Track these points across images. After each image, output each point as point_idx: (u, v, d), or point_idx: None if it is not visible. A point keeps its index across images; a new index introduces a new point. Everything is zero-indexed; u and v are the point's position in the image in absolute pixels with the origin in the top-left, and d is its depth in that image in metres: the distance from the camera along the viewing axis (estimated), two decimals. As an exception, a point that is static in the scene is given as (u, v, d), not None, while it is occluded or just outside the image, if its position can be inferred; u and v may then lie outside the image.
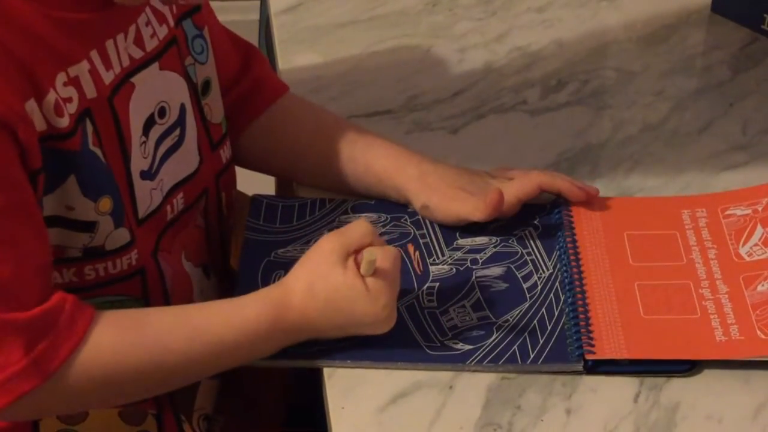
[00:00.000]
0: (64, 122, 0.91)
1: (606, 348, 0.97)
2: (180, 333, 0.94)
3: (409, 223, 1.12)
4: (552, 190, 1.11)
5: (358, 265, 0.95)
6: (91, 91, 0.94)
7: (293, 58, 1.41)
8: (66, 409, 0.98)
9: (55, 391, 0.90)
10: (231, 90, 1.17)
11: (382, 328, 0.96)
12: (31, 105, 0.89)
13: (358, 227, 0.98)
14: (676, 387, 0.96)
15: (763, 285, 1.02)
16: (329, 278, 0.95)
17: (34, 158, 0.89)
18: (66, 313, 0.90)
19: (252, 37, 1.33)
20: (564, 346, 0.98)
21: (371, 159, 1.13)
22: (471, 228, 1.10)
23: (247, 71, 1.18)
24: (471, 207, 1.08)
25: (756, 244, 1.07)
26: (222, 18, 1.19)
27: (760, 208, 1.11)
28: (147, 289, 1.03)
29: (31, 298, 0.89)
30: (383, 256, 0.96)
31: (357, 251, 0.96)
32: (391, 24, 1.48)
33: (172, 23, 1.04)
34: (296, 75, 1.36)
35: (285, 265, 1.06)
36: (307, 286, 0.95)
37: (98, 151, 0.95)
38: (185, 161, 1.07)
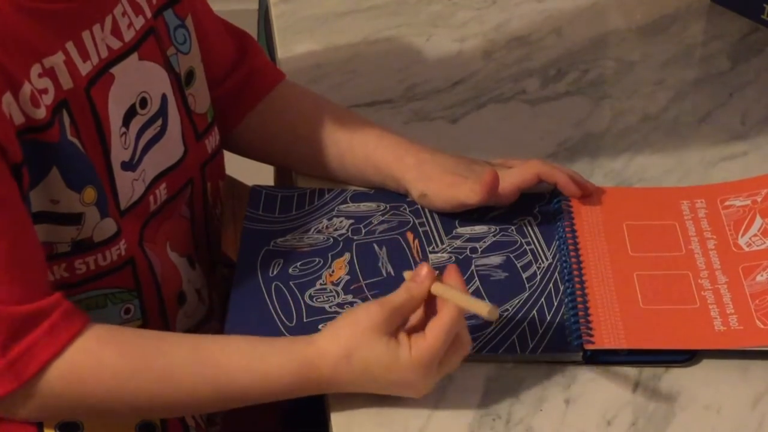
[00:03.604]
0: (41, 113, 0.90)
1: (605, 338, 0.97)
2: (192, 369, 0.91)
3: (408, 212, 1.12)
4: (549, 181, 1.11)
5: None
6: (67, 83, 0.93)
7: (292, 47, 1.40)
8: (48, 417, 0.95)
9: (34, 398, 0.88)
10: (227, 79, 1.16)
11: (415, 395, 0.93)
12: (7, 99, 0.88)
13: (406, 292, 0.92)
14: (675, 377, 0.96)
15: (762, 275, 1.02)
16: (374, 348, 0.89)
17: (14, 152, 0.88)
18: (51, 319, 0.88)
19: (251, 27, 1.32)
20: (563, 336, 0.98)
21: (370, 149, 1.13)
22: (470, 216, 1.10)
23: (243, 60, 1.18)
24: (467, 190, 1.08)
25: (755, 235, 1.07)
26: (221, 7, 1.19)
27: (759, 199, 1.11)
28: (138, 280, 1.02)
29: (22, 293, 0.87)
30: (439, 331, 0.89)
31: (404, 322, 0.92)
32: (391, 13, 1.48)
33: (149, 14, 1.04)
34: (295, 64, 1.36)
35: (284, 254, 1.07)
36: (344, 352, 0.89)
37: (77, 142, 0.94)
38: (168, 151, 1.06)
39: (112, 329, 0.92)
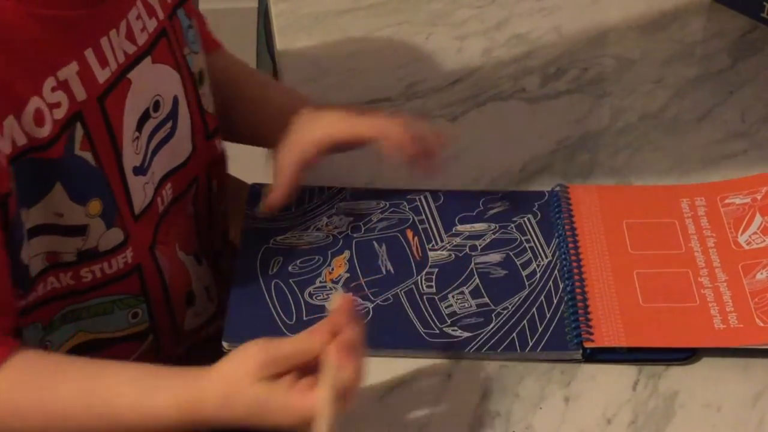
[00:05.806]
0: (45, 131, 0.88)
1: (605, 336, 0.97)
2: (82, 403, 0.88)
3: (407, 210, 1.12)
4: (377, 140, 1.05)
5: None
6: (80, 93, 0.91)
7: (292, 45, 1.40)
8: None
9: None
10: None
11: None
12: (9, 122, 0.86)
13: (298, 343, 0.86)
14: (675, 375, 0.97)
15: (761, 273, 1.02)
16: (251, 393, 0.84)
17: (1, 182, 0.86)
18: None
19: (251, 25, 1.32)
20: (563, 334, 0.98)
21: (275, 106, 1.14)
22: (470, 215, 1.10)
23: None
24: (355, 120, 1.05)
25: (755, 233, 1.07)
26: (221, 5, 1.18)
27: (759, 197, 1.11)
28: (145, 286, 1.02)
29: None
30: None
31: (288, 371, 0.85)
32: (391, 11, 1.47)
33: (161, 15, 1.03)
34: (295, 62, 1.36)
35: (284, 252, 1.07)
36: (225, 399, 0.85)
37: (87, 155, 0.93)
38: (176, 152, 1.06)
39: (25, 359, 0.89)
